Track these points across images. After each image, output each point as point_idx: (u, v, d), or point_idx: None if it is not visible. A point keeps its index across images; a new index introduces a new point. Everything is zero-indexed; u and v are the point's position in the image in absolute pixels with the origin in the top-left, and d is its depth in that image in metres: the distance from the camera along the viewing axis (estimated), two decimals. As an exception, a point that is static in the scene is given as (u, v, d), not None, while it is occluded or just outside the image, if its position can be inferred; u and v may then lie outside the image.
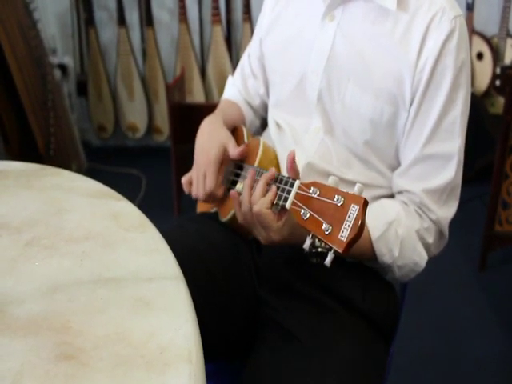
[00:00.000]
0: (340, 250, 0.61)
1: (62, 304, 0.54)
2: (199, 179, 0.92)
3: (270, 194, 0.75)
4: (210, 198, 0.92)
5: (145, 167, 2.88)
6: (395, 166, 0.90)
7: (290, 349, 0.79)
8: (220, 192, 0.92)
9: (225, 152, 0.92)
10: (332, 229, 0.62)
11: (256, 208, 0.75)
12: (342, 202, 0.63)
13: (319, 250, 0.66)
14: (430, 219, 0.86)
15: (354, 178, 0.88)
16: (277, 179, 0.78)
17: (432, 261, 0.88)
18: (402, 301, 0.98)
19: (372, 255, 0.84)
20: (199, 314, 0.55)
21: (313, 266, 0.86)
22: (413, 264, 0.85)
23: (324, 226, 0.63)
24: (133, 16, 3.01)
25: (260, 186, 0.77)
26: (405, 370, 1.55)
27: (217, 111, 1.06)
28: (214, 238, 0.93)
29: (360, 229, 0.60)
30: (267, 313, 0.87)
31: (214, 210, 1.03)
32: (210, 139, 0.94)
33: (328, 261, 0.64)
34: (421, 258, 0.85)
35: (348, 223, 0.61)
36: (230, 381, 0.98)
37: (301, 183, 0.71)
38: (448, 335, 1.73)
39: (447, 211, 0.87)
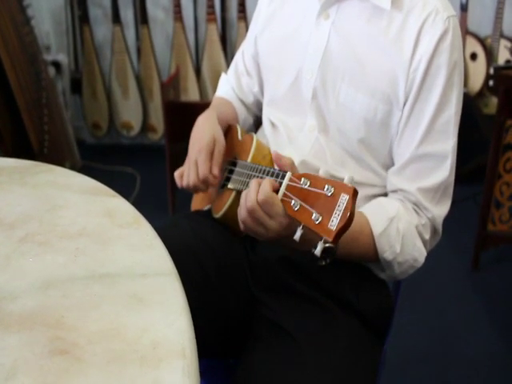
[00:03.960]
0: (330, 239, 0.61)
1: (55, 300, 0.54)
2: (190, 167, 0.91)
3: (266, 180, 0.73)
4: (204, 184, 0.91)
5: (139, 165, 2.88)
6: (389, 164, 0.90)
7: (284, 346, 0.79)
8: (214, 179, 0.91)
9: (215, 143, 0.92)
10: (322, 218, 0.62)
11: (260, 196, 0.72)
12: (331, 191, 0.63)
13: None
14: (426, 216, 0.87)
15: (348, 176, 0.88)
16: (268, 172, 0.78)
17: (425, 260, 0.88)
18: (396, 299, 0.99)
19: (373, 253, 0.84)
20: (193, 310, 0.55)
21: (306, 265, 0.87)
22: (413, 260, 0.85)
23: (314, 216, 0.63)
24: (127, 14, 3.00)
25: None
26: (398, 367, 1.56)
27: (211, 108, 1.06)
28: (208, 236, 0.93)
29: (350, 218, 0.60)
30: (261, 311, 0.87)
31: (207, 207, 1.03)
32: (203, 131, 0.94)
33: (318, 250, 0.64)
34: (420, 253, 0.86)
35: (338, 212, 0.61)
36: (224, 378, 0.99)
37: (292, 175, 0.71)
38: (441, 334, 1.74)
39: (441, 209, 0.87)
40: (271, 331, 0.83)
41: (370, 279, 0.91)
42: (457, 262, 2.11)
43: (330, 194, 0.63)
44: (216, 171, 0.91)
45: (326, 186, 0.64)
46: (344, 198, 0.61)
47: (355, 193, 0.61)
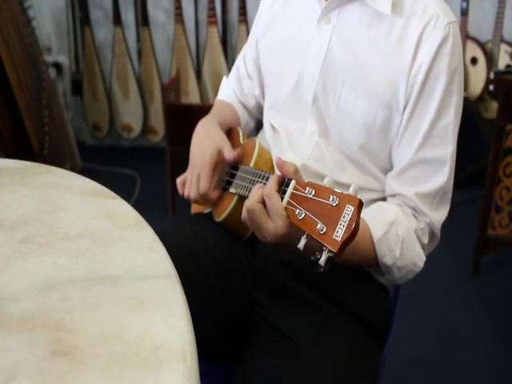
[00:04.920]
0: (334, 250, 0.61)
1: (56, 302, 0.54)
2: (193, 180, 0.92)
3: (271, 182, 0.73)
4: (203, 199, 0.93)
5: (139, 167, 2.88)
6: (388, 169, 0.90)
7: (284, 350, 0.79)
8: (213, 195, 0.93)
9: (220, 154, 0.92)
10: (327, 229, 0.63)
11: (266, 190, 0.72)
12: (336, 202, 0.63)
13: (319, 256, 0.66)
14: (424, 221, 0.87)
15: (347, 180, 0.88)
16: None
17: (425, 263, 0.88)
18: (395, 303, 0.99)
19: (373, 258, 0.84)
20: (193, 313, 0.55)
21: (306, 268, 0.87)
22: (412, 265, 0.85)
23: (319, 226, 0.63)
24: (128, 16, 3.01)
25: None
26: (397, 371, 1.56)
27: (212, 112, 1.06)
28: (208, 239, 0.93)
29: (355, 229, 0.61)
30: (261, 314, 0.87)
31: (207, 210, 1.03)
32: (206, 141, 0.94)
33: (322, 260, 0.64)
34: (420, 258, 0.86)
35: (343, 223, 0.61)
36: (224, 381, 0.98)
37: (296, 183, 0.71)
38: (440, 338, 1.74)
39: (439, 214, 0.87)
40: (271, 334, 0.83)
41: (369, 283, 0.91)
42: (457, 266, 2.11)
43: (335, 205, 0.63)
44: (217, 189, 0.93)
45: (331, 197, 0.64)
46: (349, 210, 0.61)
47: (360, 204, 0.61)
